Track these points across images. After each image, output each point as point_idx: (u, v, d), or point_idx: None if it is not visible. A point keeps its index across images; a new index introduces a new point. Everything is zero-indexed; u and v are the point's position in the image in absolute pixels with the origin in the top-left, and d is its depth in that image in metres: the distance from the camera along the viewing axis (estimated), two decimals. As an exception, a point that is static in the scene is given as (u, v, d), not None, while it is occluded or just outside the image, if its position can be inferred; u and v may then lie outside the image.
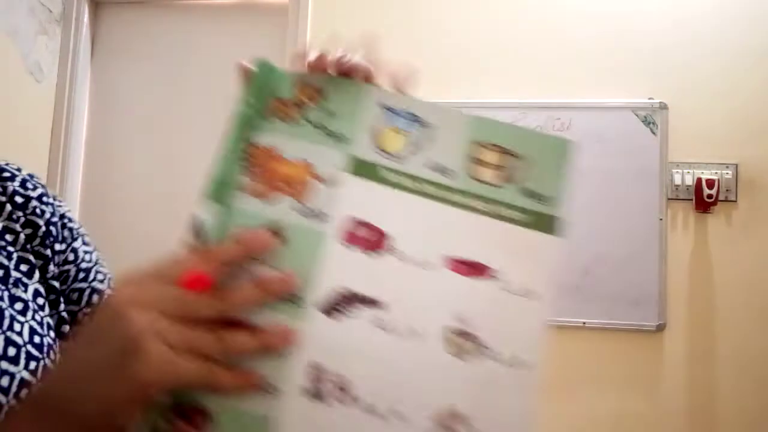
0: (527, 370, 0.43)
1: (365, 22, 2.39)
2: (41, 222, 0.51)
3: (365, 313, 0.43)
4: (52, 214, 0.52)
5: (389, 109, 0.48)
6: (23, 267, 0.49)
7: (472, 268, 0.45)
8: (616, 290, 2.15)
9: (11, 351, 0.44)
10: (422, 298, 0.44)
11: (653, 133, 2.18)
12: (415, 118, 0.48)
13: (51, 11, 2.45)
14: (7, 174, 0.51)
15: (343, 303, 0.43)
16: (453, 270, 0.45)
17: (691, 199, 2.15)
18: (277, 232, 0.43)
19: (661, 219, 2.16)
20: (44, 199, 0.52)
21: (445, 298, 0.44)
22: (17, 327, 0.45)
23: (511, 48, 2.31)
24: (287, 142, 0.47)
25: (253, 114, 0.47)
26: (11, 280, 0.47)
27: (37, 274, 0.50)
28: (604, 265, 2.15)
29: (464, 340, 0.43)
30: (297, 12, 2.42)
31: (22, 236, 0.50)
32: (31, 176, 0.53)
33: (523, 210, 0.46)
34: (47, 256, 0.51)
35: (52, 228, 0.51)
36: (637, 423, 2.13)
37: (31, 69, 2.37)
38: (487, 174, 0.47)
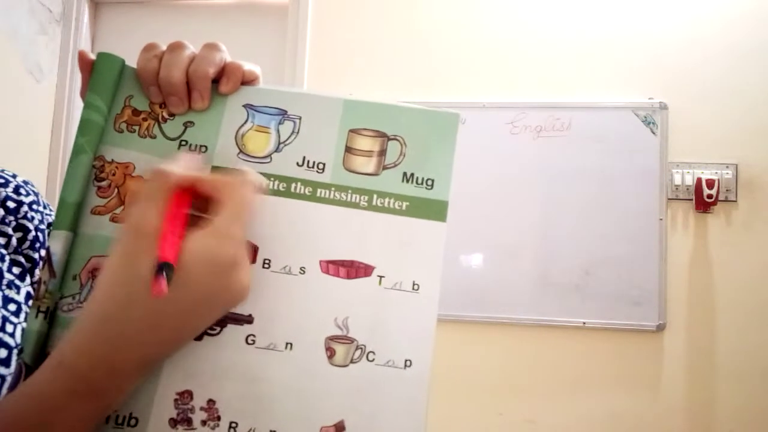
0: (415, 371, 0.41)
1: (365, 23, 2.39)
2: (31, 226, 0.51)
3: (236, 331, 0.41)
4: (41, 222, 0.53)
5: (251, 107, 0.44)
6: (15, 270, 0.50)
7: (351, 269, 0.42)
8: (616, 290, 2.14)
9: (2, 353, 0.44)
10: (299, 308, 0.41)
11: (653, 133, 2.18)
12: (280, 113, 0.44)
13: (51, 11, 2.45)
14: (1, 180, 0.52)
15: (214, 324, 0.40)
16: (331, 274, 0.42)
17: (691, 199, 2.15)
18: None
19: (661, 219, 2.16)
20: (34, 206, 0.52)
21: (324, 305, 0.42)
22: (9, 328, 0.45)
23: (511, 48, 2.31)
24: (141, 158, 0.43)
25: (102, 123, 0.43)
26: (5, 282, 0.48)
27: (28, 278, 0.50)
28: (604, 265, 2.15)
29: (347, 347, 0.41)
30: (297, 12, 2.42)
31: (14, 239, 0.50)
32: (26, 183, 0.53)
33: (401, 197, 0.43)
34: (35, 259, 0.51)
35: (39, 234, 0.52)
36: (637, 423, 2.13)
37: (31, 69, 2.37)
38: (361, 162, 0.44)
